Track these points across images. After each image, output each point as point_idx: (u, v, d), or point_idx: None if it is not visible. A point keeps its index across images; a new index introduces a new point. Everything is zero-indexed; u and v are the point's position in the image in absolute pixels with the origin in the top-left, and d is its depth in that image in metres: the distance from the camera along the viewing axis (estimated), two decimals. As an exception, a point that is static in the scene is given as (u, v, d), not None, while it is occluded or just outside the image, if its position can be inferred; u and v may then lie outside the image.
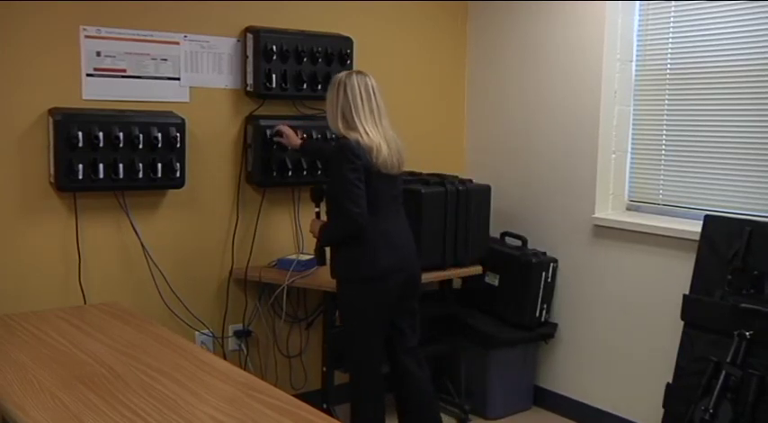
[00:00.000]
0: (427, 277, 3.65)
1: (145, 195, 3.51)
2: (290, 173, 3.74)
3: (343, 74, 3.18)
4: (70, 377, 2.25)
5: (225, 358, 3.60)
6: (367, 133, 3.07)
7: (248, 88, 3.71)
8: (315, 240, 3.40)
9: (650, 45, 3.80)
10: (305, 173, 3.79)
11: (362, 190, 3.02)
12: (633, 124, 3.90)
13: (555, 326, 4.12)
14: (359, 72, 3.20)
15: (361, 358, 3.28)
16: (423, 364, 3.38)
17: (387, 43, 4.20)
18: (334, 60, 3.82)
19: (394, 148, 3.14)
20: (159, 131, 3.37)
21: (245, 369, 3.65)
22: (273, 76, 3.66)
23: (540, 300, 4.03)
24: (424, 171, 4.09)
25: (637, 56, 3.86)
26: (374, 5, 4.13)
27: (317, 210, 3.40)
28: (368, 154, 3.04)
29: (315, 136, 3.80)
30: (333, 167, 3.10)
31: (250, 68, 3.67)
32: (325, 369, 3.84)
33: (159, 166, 3.38)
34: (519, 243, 4.14)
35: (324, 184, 3.38)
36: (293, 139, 3.61)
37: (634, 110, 3.89)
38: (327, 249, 3.37)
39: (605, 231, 3.87)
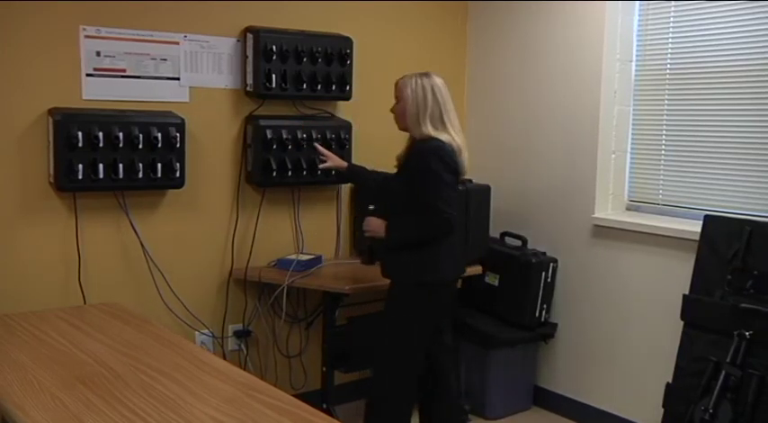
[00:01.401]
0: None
1: (145, 195, 3.51)
2: (289, 173, 3.74)
3: (420, 74, 3.15)
4: (70, 377, 2.25)
5: (225, 358, 3.60)
6: (455, 136, 3.11)
7: (248, 88, 3.71)
8: (363, 238, 3.34)
9: (650, 45, 3.81)
10: (305, 173, 3.78)
11: (455, 192, 3.08)
12: (633, 124, 3.90)
13: (555, 326, 4.12)
14: (434, 74, 3.19)
15: (405, 360, 3.20)
16: (455, 363, 3.51)
17: (387, 43, 4.20)
18: (333, 60, 3.82)
19: (466, 152, 3.17)
20: (159, 131, 3.37)
21: (244, 369, 3.65)
22: (273, 76, 3.66)
23: (539, 300, 4.02)
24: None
25: (636, 56, 3.86)
26: (374, 5, 4.13)
27: (372, 207, 3.31)
28: (458, 156, 3.09)
29: (315, 136, 3.79)
30: (422, 166, 3.03)
31: (250, 68, 3.67)
32: (324, 369, 3.84)
33: (159, 166, 3.38)
34: (519, 243, 4.15)
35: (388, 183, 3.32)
36: (337, 160, 3.56)
37: (634, 110, 3.89)
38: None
39: (605, 231, 3.87)
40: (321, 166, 3.55)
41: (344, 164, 3.56)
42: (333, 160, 3.54)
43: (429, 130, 3.08)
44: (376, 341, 3.24)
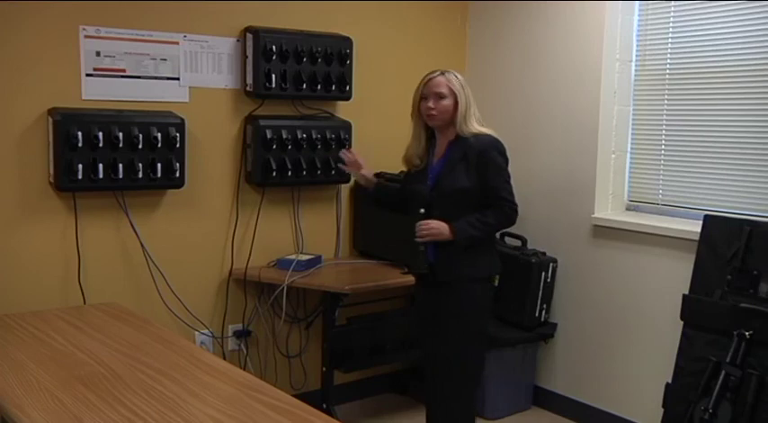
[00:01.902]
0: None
1: (144, 195, 3.50)
2: (289, 173, 3.74)
3: (451, 71, 3.10)
4: (70, 377, 2.25)
5: (224, 358, 3.61)
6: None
7: (248, 88, 3.70)
8: (410, 248, 3.09)
9: (650, 45, 3.80)
10: (304, 173, 3.78)
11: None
12: (633, 124, 3.90)
13: (554, 326, 4.12)
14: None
15: (480, 357, 3.18)
16: None
17: (386, 43, 4.19)
18: (333, 60, 3.82)
19: None
20: (159, 131, 3.36)
21: (244, 369, 3.65)
22: (273, 75, 3.65)
23: (539, 300, 4.02)
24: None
25: (636, 56, 3.86)
26: (374, 5, 4.13)
27: (422, 211, 3.07)
28: None
29: (315, 136, 3.79)
30: (489, 161, 3.02)
31: (249, 68, 3.67)
32: (324, 369, 3.84)
33: (159, 165, 3.38)
34: (518, 243, 4.14)
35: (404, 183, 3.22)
36: (368, 179, 3.39)
37: (633, 110, 3.89)
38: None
39: (605, 231, 3.87)
40: (343, 167, 3.45)
41: (373, 180, 3.39)
42: (355, 167, 3.39)
43: (476, 126, 3.06)
44: (437, 348, 3.12)
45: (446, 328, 3.09)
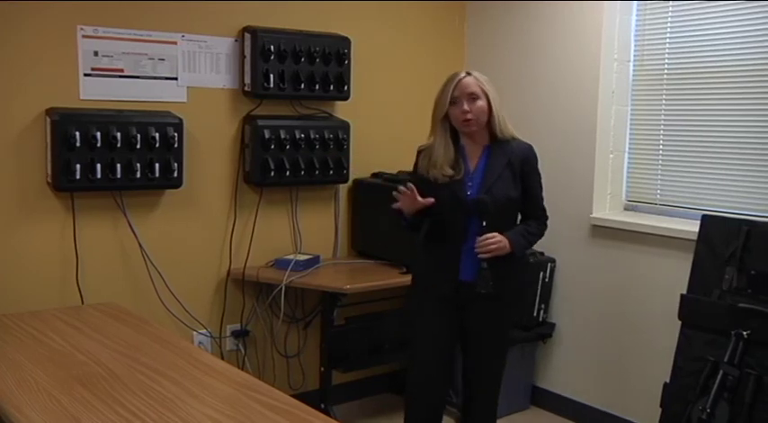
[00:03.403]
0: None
1: (142, 195, 3.50)
2: (287, 173, 3.73)
3: (473, 70, 2.92)
4: (68, 377, 2.25)
5: (222, 358, 3.61)
6: None
7: (246, 88, 3.70)
8: (483, 269, 2.82)
9: (648, 45, 3.80)
10: (302, 173, 3.78)
11: None
12: (630, 124, 3.90)
13: (553, 326, 4.12)
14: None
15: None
16: None
17: (384, 43, 4.19)
18: (331, 60, 3.81)
19: None
20: (157, 131, 3.36)
21: (242, 369, 3.65)
22: (271, 75, 3.65)
23: (537, 299, 4.02)
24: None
25: (634, 56, 3.86)
26: (372, 5, 4.13)
27: (485, 223, 2.82)
28: None
29: (313, 136, 3.79)
30: (535, 170, 2.96)
31: (248, 68, 3.66)
32: (323, 369, 3.84)
33: (157, 165, 3.38)
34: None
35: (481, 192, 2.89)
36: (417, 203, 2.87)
37: (631, 110, 3.89)
38: None
39: (603, 231, 3.87)
40: (397, 206, 2.89)
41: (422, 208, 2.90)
42: (411, 205, 2.86)
43: (511, 128, 2.95)
44: (495, 366, 3.05)
45: (494, 342, 3.01)
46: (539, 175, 2.98)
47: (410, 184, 2.83)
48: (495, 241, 2.81)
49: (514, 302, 3.08)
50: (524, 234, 2.93)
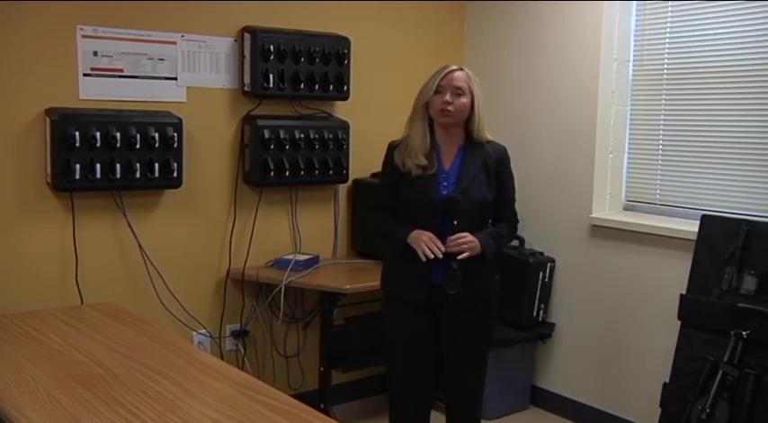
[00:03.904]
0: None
1: (142, 195, 3.50)
2: (287, 173, 3.73)
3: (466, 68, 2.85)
4: (67, 377, 2.25)
5: (222, 358, 3.61)
6: None
7: (246, 88, 3.70)
8: (452, 267, 2.77)
9: (647, 45, 3.80)
10: (302, 173, 3.78)
11: None
12: (630, 124, 3.90)
13: (552, 326, 4.12)
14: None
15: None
16: None
17: (384, 43, 4.19)
18: (331, 60, 3.81)
19: None
20: (156, 131, 3.36)
21: (242, 369, 3.65)
22: (271, 75, 3.65)
23: (537, 299, 4.02)
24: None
25: (634, 56, 3.86)
26: (372, 5, 4.13)
27: (456, 222, 2.78)
28: None
29: (312, 136, 3.79)
30: (509, 173, 2.95)
31: (247, 68, 3.66)
32: (322, 369, 3.85)
33: (156, 166, 3.37)
34: (516, 243, 4.14)
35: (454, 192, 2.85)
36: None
37: (631, 110, 3.89)
38: None
39: (602, 231, 3.87)
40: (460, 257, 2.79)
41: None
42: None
43: (487, 132, 2.91)
44: (475, 367, 3.02)
45: (472, 346, 2.97)
46: (512, 177, 2.97)
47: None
48: (467, 241, 2.77)
49: (490, 309, 2.99)
50: (495, 236, 2.89)
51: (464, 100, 2.80)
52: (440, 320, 2.94)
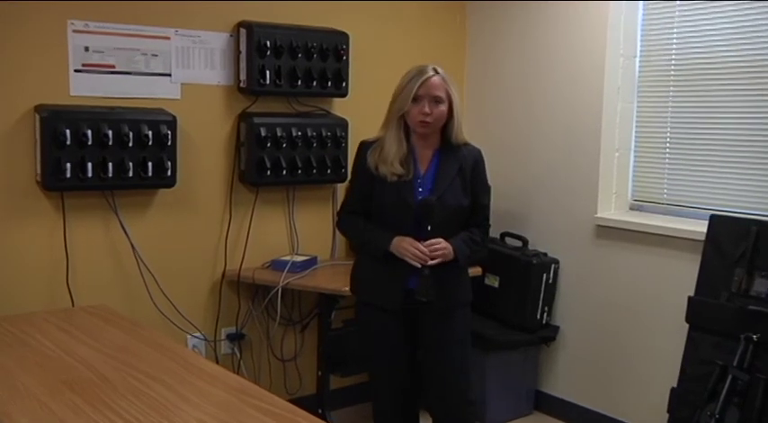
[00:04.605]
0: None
1: (135, 195, 3.49)
2: (284, 172, 3.73)
3: (438, 67, 2.82)
4: (57, 382, 2.23)
5: (217, 362, 3.60)
6: None
7: (241, 85, 3.69)
8: (421, 271, 2.78)
9: (654, 40, 3.80)
10: (299, 172, 3.77)
11: None
12: (636, 121, 3.89)
13: (556, 328, 4.11)
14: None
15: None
16: None
17: (384, 38, 4.18)
18: (329, 56, 3.81)
19: None
20: (150, 129, 3.35)
21: (237, 373, 3.62)
22: (267, 72, 3.64)
23: (540, 302, 4.02)
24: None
25: (640, 51, 3.85)
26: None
27: (430, 228, 2.79)
28: None
29: (310, 134, 3.78)
30: (483, 178, 2.96)
31: (243, 64, 3.66)
32: (320, 373, 3.84)
33: (150, 164, 3.37)
34: (519, 243, 4.14)
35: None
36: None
37: (637, 107, 3.89)
38: None
39: (608, 232, 3.86)
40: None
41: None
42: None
43: (464, 135, 2.90)
44: (455, 373, 3.00)
45: (449, 356, 2.96)
46: (487, 184, 2.98)
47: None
48: (441, 247, 2.78)
49: (464, 317, 2.99)
50: (468, 242, 2.89)
51: (442, 108, 2.80)
52: (414, 325, 2.96)
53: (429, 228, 2.78)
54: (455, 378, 3.00)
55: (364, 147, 2.93)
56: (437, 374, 3.00)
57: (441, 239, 2.79)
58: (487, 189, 3.00)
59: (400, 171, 2.81)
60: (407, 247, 2.79)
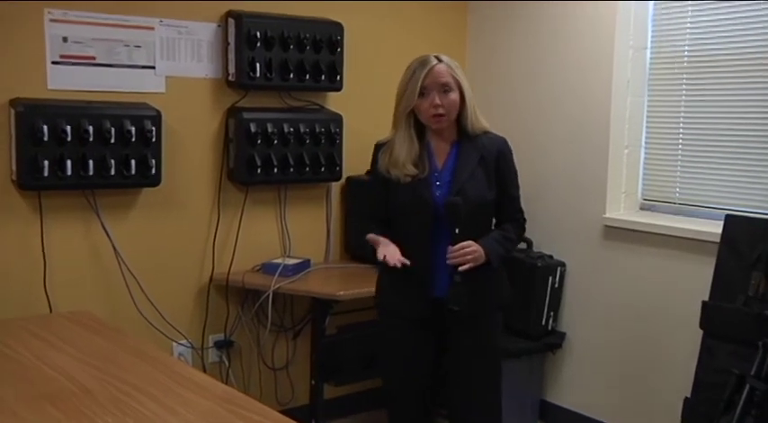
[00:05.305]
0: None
1: (117, 194, 3.49)
2: (275, 170, 3.73)
3: (443, 54, 2.77)
4: (35, 394, 2.22)
5: (205, 371, 3.61)
6: None
7: (230, 78, 3.69)
8: (455, 281, 2.69)
9: (666, 30, 3.79)
10: (291, 170, 3.77)
11: None
12: (647, 117, 3.89)
13: (563, 335, 4.12)
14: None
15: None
16: None
17: (380, 29, 4.19)
18: (323, 48, 3.81)
19: None
20: (132, 125, 3.35)
21: (226, 383, 3.65)
22: (257, 64, 3.64)
23: (546, 307, 4.02)
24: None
25: (651, 42, 3.85)
26: (366, -12, 4.13)
27: (457, 231, 2.69)
28: None
29: (303, 130, 3.78)
30: (511, 167, 2.88)
31: (232, 56, 3.66)
32: (313, 382, 3.85)
33: (133, 162, 3.37)
34: (524, 245, 4.13)
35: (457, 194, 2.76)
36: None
37: (648, 101, 3.88)
38: None
39: (617, 233, 3.86)
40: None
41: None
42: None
43: (483, 120, 2.84)
44: (487, 384, 2.93)
45: (481, 365, 2.90)
46: (516, 173, 2.91)
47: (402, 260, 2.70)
48: (471, 251, 2.68)
49: (495, 322, 2.95)
50: (500, 240, 2.81)
51: (453, 96, 2.73)
52: (441, 335, 2.91)
53: (457, 231, 2.69)
54: (486, 388, 2.93)
55: (377, 149, 2.90)
56: (466, 384, 2.91)
57: (471, 242, 2.69)
58: (516, 180, 2.91)
59: (413, 172, 2.76)
60: (383, 251, 2.72)
